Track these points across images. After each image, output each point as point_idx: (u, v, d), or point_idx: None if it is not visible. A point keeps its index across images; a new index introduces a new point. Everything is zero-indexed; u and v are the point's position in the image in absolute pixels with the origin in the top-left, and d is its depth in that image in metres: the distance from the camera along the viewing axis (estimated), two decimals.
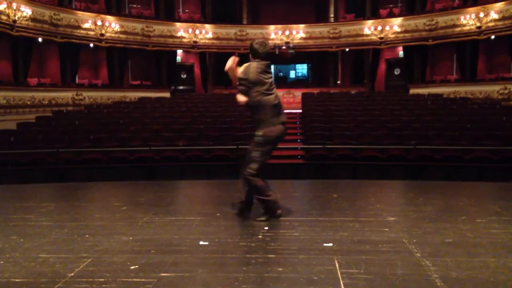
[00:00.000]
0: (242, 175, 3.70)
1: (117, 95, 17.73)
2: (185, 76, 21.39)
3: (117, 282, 2.46)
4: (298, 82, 24.45)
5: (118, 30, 17.77)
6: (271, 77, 3.70)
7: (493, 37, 16.46)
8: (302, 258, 2.81)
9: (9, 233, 3.49)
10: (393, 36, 18.57)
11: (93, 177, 8.89)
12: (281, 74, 24.94)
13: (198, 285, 2.41)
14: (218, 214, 4.00)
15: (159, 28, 18.77)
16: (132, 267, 2.67)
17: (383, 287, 2.36)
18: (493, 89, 15.94)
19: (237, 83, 3.68)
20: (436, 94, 15.95)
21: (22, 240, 3.29)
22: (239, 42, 19.63)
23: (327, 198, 4.88)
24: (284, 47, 19.45)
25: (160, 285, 2.41)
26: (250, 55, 3.75)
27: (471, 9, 16.65)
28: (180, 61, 20.87)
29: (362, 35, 19.03)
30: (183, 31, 19.05)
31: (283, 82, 23.27)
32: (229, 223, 3.72)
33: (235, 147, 9.44)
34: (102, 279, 2.49)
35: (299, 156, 10.38)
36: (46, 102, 15.54)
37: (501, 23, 15.75)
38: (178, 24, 19.21)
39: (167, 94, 18.41)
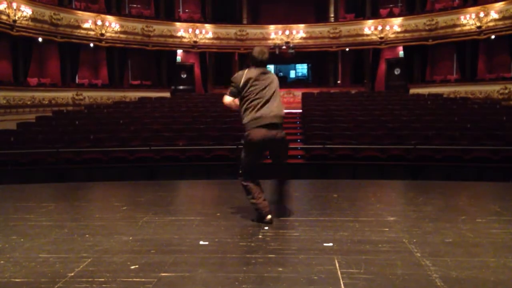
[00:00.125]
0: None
1: (117, 95, 17.72)
2: (185, 76, 21.38)
3: (117, 282, 2.46)
4: (298, 82, 24.46)
5: (118, 30, 17.76)
6: (264, 83, 3.61)
7: (493, 37, 16.45)
8: (302, 258, 2.80)
9: (9, 233, 3.49)
10: (393, 36, 18.55)
11: (93, 177, 8.90)
12: (281, 74, 24.92)
13: (198, 285, 2.41)
14: (218, 214, 4.00)
15: (159, 28, 18.75)
16: (132, 267, 2.67)
17: (383, 287, 2.36)
18: (493, 89, 15.93)
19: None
20: (436, 94, 15.93)
21: (22, 240, 3.29)
22: (239, 42, 19.63)
23: (327, 198, 4.88)
24: (284, 47, 19.45)
25: (160, 285, 2.41)
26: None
27: (471, 9, 16.64)
28: (180, 61, 20.85)
29: (362, 35, 19.01)
30: (183, 31, 19.03)
31: (283, 82, 23.20)
32: (229, 223, 3.72)
33: (235, 147, 9.42)
34: (102, 279, 2.49)
35: (299, 156, 10.38)
36: (46, 102, 15.54)
37: (501, 23, 15.75)
38: (178, 24, 19.19)
39: (167, 94, 18.40)
